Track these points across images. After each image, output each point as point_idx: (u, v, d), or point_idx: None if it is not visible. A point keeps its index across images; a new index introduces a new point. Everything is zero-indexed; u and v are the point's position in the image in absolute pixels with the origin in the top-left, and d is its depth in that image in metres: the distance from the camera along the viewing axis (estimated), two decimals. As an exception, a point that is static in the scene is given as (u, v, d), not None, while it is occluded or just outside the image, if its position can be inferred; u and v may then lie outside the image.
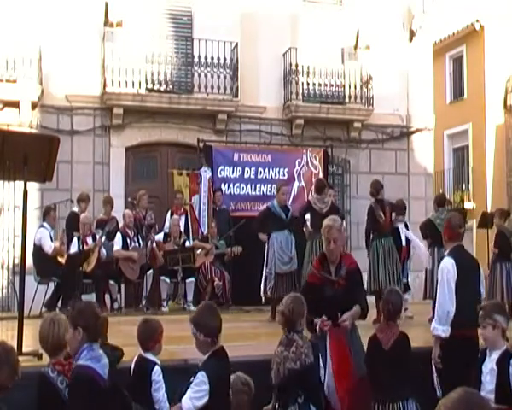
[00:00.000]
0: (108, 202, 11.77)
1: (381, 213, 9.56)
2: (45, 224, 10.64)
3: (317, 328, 5.12)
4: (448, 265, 5.25)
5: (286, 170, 13.30)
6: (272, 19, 15.04)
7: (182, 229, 11.76)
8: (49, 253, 10.32)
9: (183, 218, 12.05)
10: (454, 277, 5.20)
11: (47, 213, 10.77)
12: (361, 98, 15.62)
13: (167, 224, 11.87)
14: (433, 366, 5.30)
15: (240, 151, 13.30)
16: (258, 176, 13.08)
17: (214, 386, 4.19)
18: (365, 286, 8.91)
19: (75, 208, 11.34)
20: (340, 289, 5.27)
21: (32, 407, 4.30)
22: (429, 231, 10.06)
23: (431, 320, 5.63)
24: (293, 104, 15.13)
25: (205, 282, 11.40)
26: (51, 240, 10.47)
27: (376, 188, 9.88)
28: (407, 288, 10.35)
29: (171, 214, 11.99)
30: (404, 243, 10.36)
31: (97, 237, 10.60)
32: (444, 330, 5.16)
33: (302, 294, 5.19)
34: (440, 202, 10.43)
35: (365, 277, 9.19)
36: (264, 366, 5.52)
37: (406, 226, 10.68)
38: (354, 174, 15.84)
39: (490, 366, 4.70)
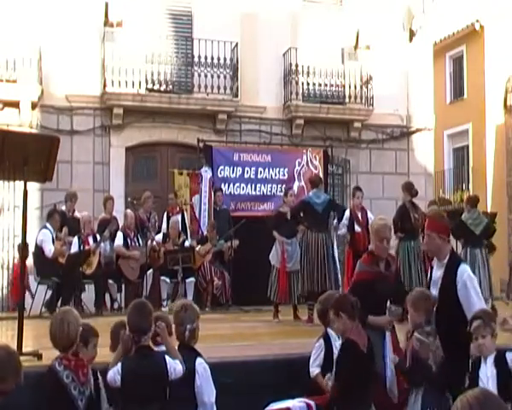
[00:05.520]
0: (109, 199, 11.79)
1: (416, 215, 9.66)
2: (48, 225, 10.61)
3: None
4: (470, 272, 5.06)
5: (286, 170, 13.29)
6: (272, 19, 15.04)
7: (179, 228, 11.78)
8: (49, 256, 10.29)
9: (179, 217, 12.06)
10: None
11: (51, 216, 10.72)
12: (361, 98, 15.63)
13: (164, 225, 11.90)
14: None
15: (240, 151, 13.30)
16: (259, 176, 13.07)
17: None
18: None
19: (63, 207, 11.36)
20: (390, 284, 5.37)
21: (32, 407, 4.31)
22: (462, 231, 10.14)
23: None
24: (293, 104, 15.13)
25: (205, 282, 11.41)
26: (53, 242, 10.45)
27: (413, 189, 10.07)
28: None
29: (168, 215, 12.04)
30: None
31: (98, 238, 10.63)
32: None
33: (351, 291, 5.34)
34: (473, 203, 10.48)
35: None
36: (264, 366, 5.53)
37: None
38: (354, 174, 15.84)
39: (490, 371, 4.68)
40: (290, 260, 9.39)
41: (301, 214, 9.31)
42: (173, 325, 4.64)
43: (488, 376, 4.65)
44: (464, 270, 5.02)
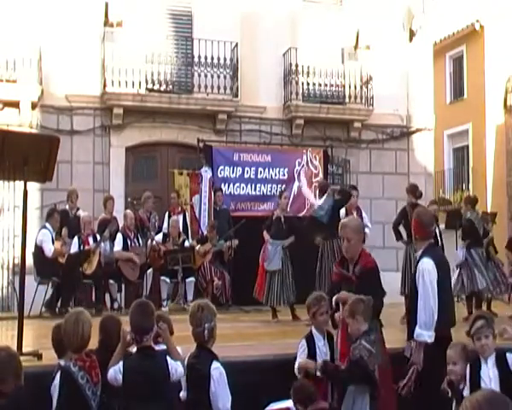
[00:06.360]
0: (110, 199, 11.80)
1: None
2: (47, 225, 10.61)
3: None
4: (428, 266, 5.13)
5: (286, 170, 13.29)
6: (272, 19, 15.04)
7: (180, 228, 11.79)
8: (49, 256, 10.30)
9: (180, 217, 12.08)
10: (435, 277, 5.11)
11: (50, 215, 10.72)
12: (361, 98, 15.62)
13: (165, 224, 11.90)
14: (412, 370, 5.14)
15: (240, 151, 13.30)
16: (259, 176, 13.08)
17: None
18: (399, 288, 9.12)
19: (66, 206, 11.37)
20: (353, 286, 5.33)
21: (32, 407, 4.30)
22: (471, 231, 10.17)
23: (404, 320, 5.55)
24: (293, 104, 15.12)
25: (205, 282, 11.41)
26: (52, 242, 10.45)
27: (417, 191, 10.08)
28: None
29: (169, 215, 12.04)
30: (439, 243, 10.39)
31: (98, 238, 10.64)
32: (429, 336, 5.05)
33: (327, 293, 5.55)
34: (474, 203, 10.52)
35: (399, 277, 9.38)
36: (264, 366, 5.53)
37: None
38: (354, 174, 15.83)
39: (492, 372, 4.70)
40: (270, 260, 9.58)
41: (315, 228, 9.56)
42: (191, 327, 4.56)
43: (491, 377, 4.66)
44: (422, 262, 5.18)
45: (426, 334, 5.05)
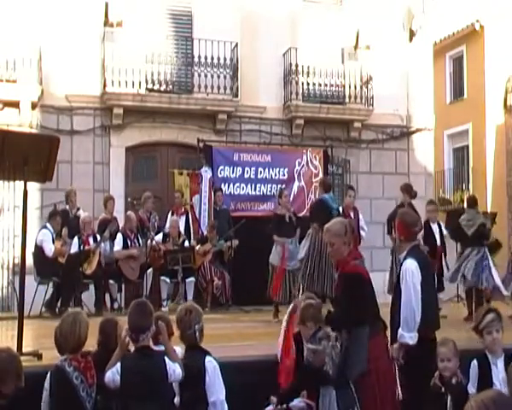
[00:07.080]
0: (110, 199, 11.79)
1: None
2: (48, 225, 10.60)
3: None
4: (411, 267, 5.10)
5: (286, 170, 13.30)
6: (272, 19, 15.04)
7: (182, 229, 11.78)
8: (50, 256, 10.31)
9: (183, 218, 12.07)
10: (419, 279, 5.09)
11: (52, 216, 10.72)
12: (361, 98, 15.63)
13: (168, 224, 11.89)
14: (396, 368, 5.12)
15: (240, 151, 13.30)
16: (259, 176, 13.08)
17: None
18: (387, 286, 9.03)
19: (67, 207, 11.38)
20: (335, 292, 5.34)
21: (32, 407, 4.31)
22: (456, 233, 10.01)
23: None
24: (293, 104, 15.13)
25: (205, 282, 11.41)
26: (53, 242, 10.45)
27: (412, 190, 10.02)
28: (441, 287, 10.04)
29: (172, 215, 12.03)
30: (438, 242, 10.29)
31: (98, 238, 10.63)
32: (411, 337, 5.02)
33: None
34: (470, 203, 10.25)
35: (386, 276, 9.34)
36: (265, 366, 5.53)
37: (439, 226, 10.55)
38: (354, 174, 15.84)
39: (501, 375, 4.69)
40: (292, 259, 9.46)
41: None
42: (179, 331, 4.61)
43: (501, 381, 4.66)
44: (405, 264, 5.19)
45: (407, 335, 5.02)
